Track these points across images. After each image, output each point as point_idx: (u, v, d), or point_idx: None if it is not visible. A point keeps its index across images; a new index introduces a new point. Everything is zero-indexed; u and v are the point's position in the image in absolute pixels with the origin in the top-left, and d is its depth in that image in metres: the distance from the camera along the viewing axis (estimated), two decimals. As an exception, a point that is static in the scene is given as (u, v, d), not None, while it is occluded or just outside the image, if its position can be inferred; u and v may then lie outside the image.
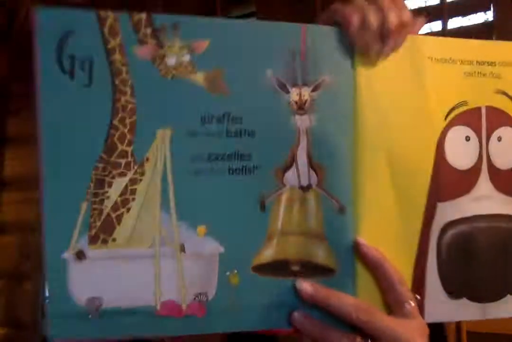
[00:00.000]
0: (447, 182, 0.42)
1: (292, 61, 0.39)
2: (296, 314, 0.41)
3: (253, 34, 0.38)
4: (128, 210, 0.38)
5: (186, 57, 0.38)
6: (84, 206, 0.38)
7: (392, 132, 0.42)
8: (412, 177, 0.42)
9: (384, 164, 0.42)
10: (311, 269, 0.41)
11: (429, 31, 1.29)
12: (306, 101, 0.40)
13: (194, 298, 0.40)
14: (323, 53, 0.40)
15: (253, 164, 0.40)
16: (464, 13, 1.10)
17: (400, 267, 0.41)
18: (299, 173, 0.41)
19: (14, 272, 1.73)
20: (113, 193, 0.38)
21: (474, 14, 1.12)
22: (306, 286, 0.40)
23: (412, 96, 0.42)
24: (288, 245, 0.41)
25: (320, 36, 0.40)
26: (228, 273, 0.40)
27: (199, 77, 0.38)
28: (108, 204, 0.38)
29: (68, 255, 0.38)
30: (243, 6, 1.26)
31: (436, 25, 1.15)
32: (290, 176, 0.41)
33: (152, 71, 0.37)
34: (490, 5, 1.04)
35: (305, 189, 0.41)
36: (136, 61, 0.37)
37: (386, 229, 0.42)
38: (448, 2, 1.07)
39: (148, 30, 0.37)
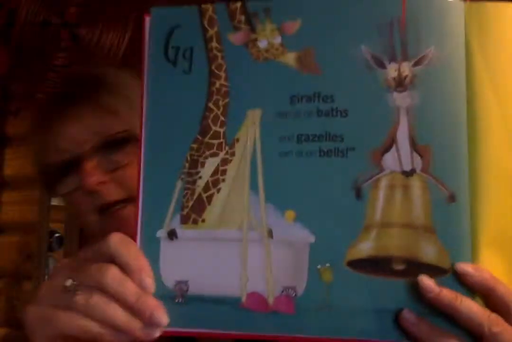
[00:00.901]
0: None
1: (389, 33, 0.37)
2: (408, 315, 0.35)
3: (346, 8, 0.37)
4: (219, 190, 0.39)
5: (278, 39, 0.38)
6: (178, 185, 0.39)
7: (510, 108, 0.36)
8: None
9: (505, 145, 0.35)
10: (419, 268, 0.36)
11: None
12: (406, 77, 0.37)
13: (282, 292, 0.37)
14: (428, 23, 0.36)
15: (346, 146, 0.37)
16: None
17: None
18: (401, 156, 0.37)
19: (14, 272, 1.72)
20: (205, 173, 0.39)
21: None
22: (431, 284, 0.35)
23: None
24: (390, 239, 0.36)
25: (424, 4, 0.37)
26: (319, 267, 0.37)
27: (290, 58, 0.38)
28: (200, 184, 0.39)
29: (162, 233, 0.39)
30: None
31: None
32: (390, 159, 0.37)
33: (245, 55, 0.39)
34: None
35: (408, 174, 0.37)
36: (231, 47, 0.39)
37: (505, 222, 0.35)
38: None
39: (242, 17, 0.39)
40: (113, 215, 0.57)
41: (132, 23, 1.31)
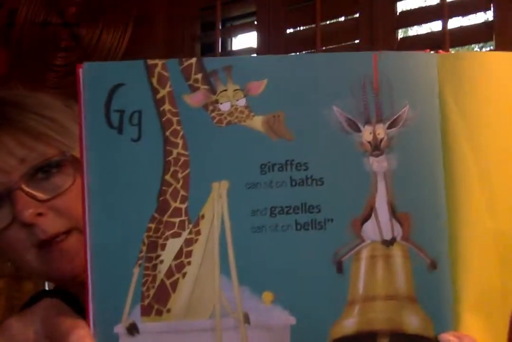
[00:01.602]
0: None
1: (362, 95, 0.34)
2: None
3: (315, 68, 0.34)
4: (184, 275, 0.34)
5: (242, 101, 0.34)
6: (136, 271, 0.34)
7: (492, 169, 0.35)
8: None
9: (484, 208, 0.35)
10: (404, 340, 0.34)
11: (429, 31, 1.21)
12: (381, 140, 0.35)
13: None
14: (401, 81, 0.34)
15: (324, 217, 0.34)
16: (464, 13, 1.04)
17: (498, 331, 0.35)
18: (380, 224, 0.35)
19: (14, 272, 1.62)
20: (167, 256, 0.34)
21: (474, 14, 1.08)
22: None
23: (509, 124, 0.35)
24: (374, 313, 0.34)
25: (395, 63, 0.34)
26: None
27: (256, 122, 0.34)
28: (161, 269, 0.34)
29: (120, 329, 0.33)
30: (243, 6, 1.26)
31: (436, 25, 1.08)
32: (370, 228, 0.35)
33: (205, 119, 0.34)
34: (490, 5, 0.97)
35: (388, 243, 0.35)
36: (188, 110, 0.34)
37: (487, 287, 0.35)
38: (448, 2, 1.01)
39: (199, 76, 0.34)
40: (54, 248, 0.50)
41: (132, 23, 1.27)
